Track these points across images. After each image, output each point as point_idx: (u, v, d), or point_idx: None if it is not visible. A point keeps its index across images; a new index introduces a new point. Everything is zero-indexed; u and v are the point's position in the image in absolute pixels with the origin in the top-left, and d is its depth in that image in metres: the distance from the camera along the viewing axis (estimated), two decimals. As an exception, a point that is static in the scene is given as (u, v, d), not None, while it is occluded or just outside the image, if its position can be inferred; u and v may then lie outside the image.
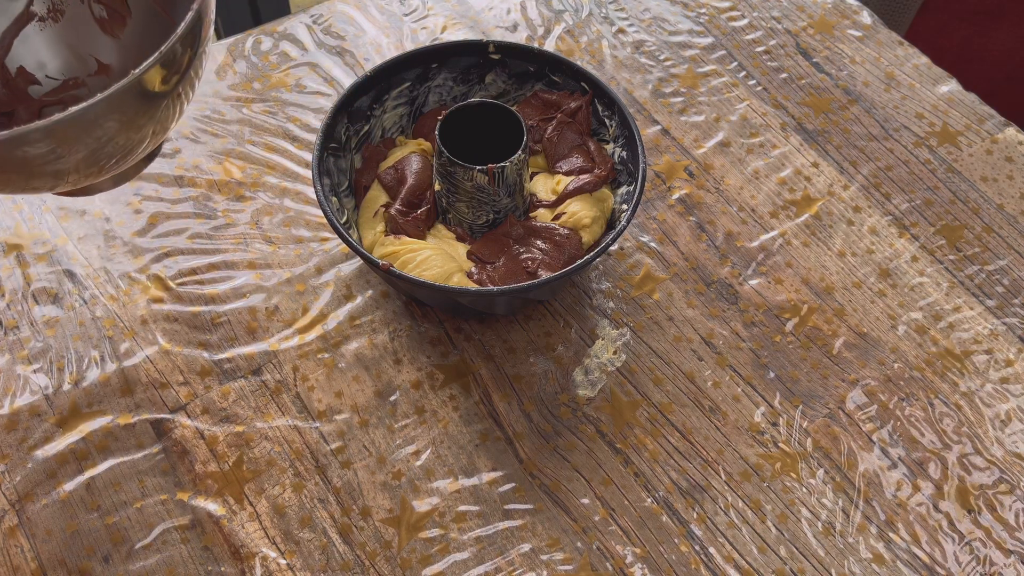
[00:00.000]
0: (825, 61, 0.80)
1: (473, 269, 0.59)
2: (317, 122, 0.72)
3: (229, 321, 0.62)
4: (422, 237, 0.61)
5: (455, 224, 0.61)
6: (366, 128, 0.64)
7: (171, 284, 0.63)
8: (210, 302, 0.63)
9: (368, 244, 0.60)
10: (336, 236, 0.66)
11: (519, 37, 0.79)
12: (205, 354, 0.60)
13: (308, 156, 0.70)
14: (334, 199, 0.59)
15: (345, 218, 0.60)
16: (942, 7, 1.17)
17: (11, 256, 0.64)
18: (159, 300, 0.62)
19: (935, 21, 1.18)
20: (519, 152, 0.57)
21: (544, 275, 0.57)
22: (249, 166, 0.69)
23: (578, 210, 0.61)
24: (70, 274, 0.63)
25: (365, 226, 0.61)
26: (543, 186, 0.64)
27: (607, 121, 0.64)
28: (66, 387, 0.59)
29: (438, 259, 0.58)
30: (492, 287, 0.57)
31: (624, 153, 0.63)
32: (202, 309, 0.62)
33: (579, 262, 0.55)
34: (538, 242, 0.60)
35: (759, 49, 0.80)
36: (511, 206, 0.60)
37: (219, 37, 1.35)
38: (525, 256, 0.60)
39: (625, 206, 0.60)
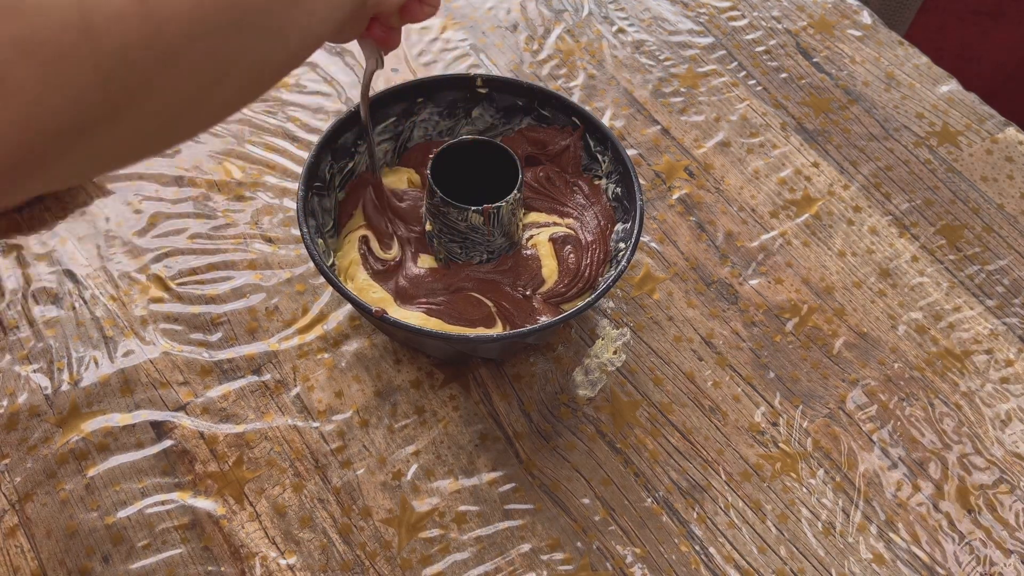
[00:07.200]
0: (825, 61, 0.80)
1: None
2: (317, 122, 0.72)
3: (229, 321, 0.62)
4: (389, 249, 0.59)
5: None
6: (350, 165, 0.62)
7: (171, 284, 0.63)
8: (210, 302, 0.63)
9: (342, 268, 0.59)
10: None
11: (519, 37, 0.79)
12: (205, 354, 0.60)
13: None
14: (320, 241, 0.57)
15: (331, 261, 0.58)
16: (942, 7, 1.17)
17: (11, 256, 0.64)
18: (159, 300, 0.62)
19: (935, 21, 1.18)
20: (515, 191, 0.55)
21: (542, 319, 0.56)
22: (249, 166, 0.69)
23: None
24: (70, 274, 0.63)
25: (344, 257, 0.60)
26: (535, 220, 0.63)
27: (599, 156, 0.63)
28: (66, 387, 0.59)
29: None
30: (491, 333, 0.55)
31: (619, 189, 0.61)
32: (202, 309, 0.62)
33: (580, 306, 0.53)
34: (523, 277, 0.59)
35: (759, 49, 0.80)
36: (505, 245, 0.59)
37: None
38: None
39: (623, 244, 0.59)
